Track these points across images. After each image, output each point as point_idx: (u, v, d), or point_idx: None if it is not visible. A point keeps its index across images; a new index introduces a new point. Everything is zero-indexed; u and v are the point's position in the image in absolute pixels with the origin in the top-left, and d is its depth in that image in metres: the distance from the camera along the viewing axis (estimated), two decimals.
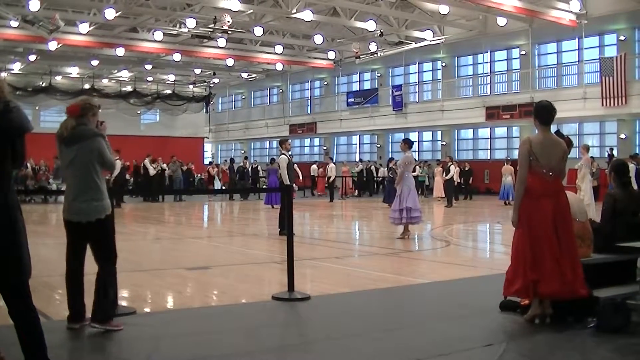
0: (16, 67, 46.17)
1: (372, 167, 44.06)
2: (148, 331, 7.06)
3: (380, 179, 43.11)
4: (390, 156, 40.83)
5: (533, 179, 7.34)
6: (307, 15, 33.16)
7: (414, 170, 28.52)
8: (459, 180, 33.70)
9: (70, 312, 6.88)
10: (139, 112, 53.19)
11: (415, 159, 36.60)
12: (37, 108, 47.52)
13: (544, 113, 7.48)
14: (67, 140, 6.84)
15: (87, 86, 47.63)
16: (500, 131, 42.66)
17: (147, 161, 35.97)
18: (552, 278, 7.04)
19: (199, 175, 46.08)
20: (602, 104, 32.81)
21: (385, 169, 36.52)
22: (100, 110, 7.43)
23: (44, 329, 5.00)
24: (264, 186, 40.48)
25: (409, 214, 16.06)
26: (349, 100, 48.76)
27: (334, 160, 42.27)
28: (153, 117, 57.38)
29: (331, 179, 37.55)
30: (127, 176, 35.85)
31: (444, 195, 32.67)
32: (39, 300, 7.92)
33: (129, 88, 50.88)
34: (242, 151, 61.24)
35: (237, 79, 56.99)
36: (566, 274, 7.03)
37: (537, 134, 7.50)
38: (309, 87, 55.70)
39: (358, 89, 50.87)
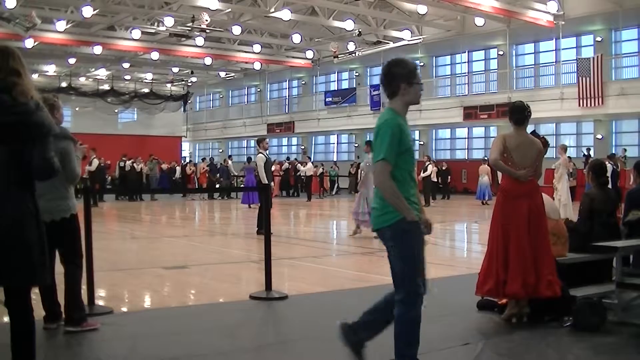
0: None
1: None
2: (125, 331, 7.03)
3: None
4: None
5: (508, 179, 7.37)
6: (285, 14, 33.17)
7: None
8: (436, 180, 33.77)
9: (45, 313, 6.82)
10: (116, 110, 52.83)
11: None
12: None
13: (517, 113, 7.53)
14: None
15: (64, 84, 47.25)
16: (478, 131, 42.80)
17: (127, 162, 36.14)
18: (515, 279, 7.08)
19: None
20: (579, 105, 33.04)
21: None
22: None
23: None
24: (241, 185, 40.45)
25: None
26: (327, 99, 48.77)
27: (312, 160, 42.20)
28: (130, 115, 57.09)
29: (305, 177, 37.48)
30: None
31: None
32: None
33: (106, 86, 50.54)
34: (220, 150, 61.13)
35: (215, 78, 56.94)
36: (529, 276, 7.06)
37: (512, 132, 7.53)
38: (287, 87, 55.59)
39: (336, 89, 50.79)
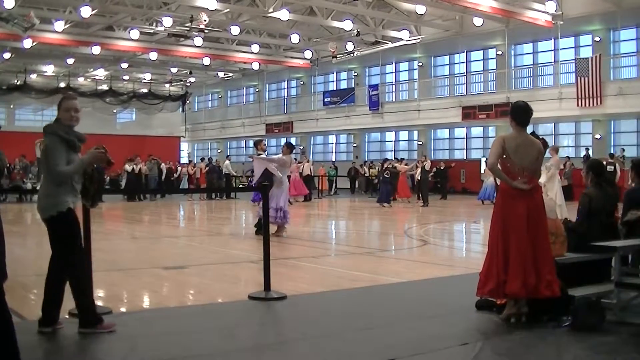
0: None
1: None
2: (124, 331, 6.99)
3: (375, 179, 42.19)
4: (366, 156, 40.91)
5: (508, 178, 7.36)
6: (283, 14, 33.17)
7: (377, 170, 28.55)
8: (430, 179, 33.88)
9: (42, 316, 6.69)
10: (115, 111, 52.90)
11: (382, 160, 36.56)
12: (11, 106, 47.26)
13: (520, 114, 7.47)
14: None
15: (62, 84, 47.31)
16: (477, 131, 42.82)
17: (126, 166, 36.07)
18: (515, 279, 7.07)
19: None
20: (578, 104, 33.04)
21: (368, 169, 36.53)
22: None
23: (18, 329, 4.95)
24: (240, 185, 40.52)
25: (277, 213, 16.09)
26: (326, 99, 48.80)
27: (309, 160, 42.18)
28: (129, 116, 57.13)
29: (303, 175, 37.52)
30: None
31: (409, 196, 32.49)
32: (13, 300, 7.84)
33: (104, 87, 50.62)
34: (219, 150, 61.11)
35: (213, 78, 56.92)
36: (529, 276, 7.05)
37: (512, 133, 7.48)
38: (286, 87, 55.58)
39: (334, 89, 50.85)
